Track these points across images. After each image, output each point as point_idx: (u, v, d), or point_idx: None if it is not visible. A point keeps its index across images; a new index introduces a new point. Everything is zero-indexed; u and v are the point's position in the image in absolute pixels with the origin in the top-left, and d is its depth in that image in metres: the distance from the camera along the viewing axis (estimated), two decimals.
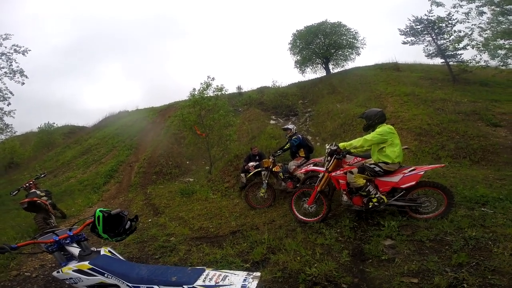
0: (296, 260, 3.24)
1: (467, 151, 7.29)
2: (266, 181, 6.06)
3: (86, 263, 1.86)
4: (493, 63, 9.79)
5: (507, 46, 9.12)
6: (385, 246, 3.32)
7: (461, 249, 2.97)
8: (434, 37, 15.57)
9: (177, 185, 9.68)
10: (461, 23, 11.22)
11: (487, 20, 9.84)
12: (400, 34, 16.75)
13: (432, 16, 14.98)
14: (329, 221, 4.33)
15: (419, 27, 15.92)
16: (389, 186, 3.90)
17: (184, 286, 1.59)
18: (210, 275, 1.65)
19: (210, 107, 10.42)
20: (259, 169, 6.34)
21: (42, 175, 7.83)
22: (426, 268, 2.75)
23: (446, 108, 9.76)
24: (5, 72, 13.12)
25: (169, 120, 16.91)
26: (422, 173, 3.78)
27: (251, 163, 6.85)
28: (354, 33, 19.99)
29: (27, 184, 6.81)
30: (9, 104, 13.47)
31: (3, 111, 13.47)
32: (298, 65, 21.41)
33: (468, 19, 10.23)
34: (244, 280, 1.57)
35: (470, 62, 10.25)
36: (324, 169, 4.35)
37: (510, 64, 9.66)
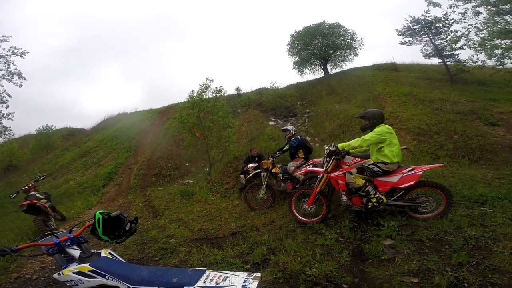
0: (296, 261, 3.24)
1: (465, 151, 7.32)
2: (265, 182, 6.06)
3: (87, 265, 1.86)
4: (490, 62, 9.87)
5: (503, 45, 9.18)
6: (385, 246, 3.33)
7: (461, 248, 2.98)
8: (431, 37, 15.65)
9: (176, 187, 9.66)
10: (457, 23, 11.34)
11: (483, 20, 9.92)
12: (398, 35, 16.85)
13: (429, 16, 15.08)
14: (328, 221, 4.33)
15: (416, 27, 16.00)
16: (388, 186, 3.91)
17: (184, 287, 1.59)
18: (211, 276, 1.65)
19: (209, 109, 10.41)
20: (259, 170, 6.34)
21: (41, 178, 7.82)
22: (426, 268, 2.75)
23: (444, 108, 9.80)
24: (3, 74, 13.13)
25: (168, 122, 16.90)
26: (421, 173, 3.79)
27: (250, 165, 6.86)
28: (352, 33, 20.05)
29: (26, 187, 6.80)
30: (7, 106, 13.47)
31: (1, 114, 13.48)
32: (296, 66, 21.46)
33: (465, 19, 10.33)
34: (245, 281, 1.58)
35: (467, 62, 10.31)
36: (323, 169, 4.36)
37: (507, 63, 9.73)
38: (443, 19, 13.86)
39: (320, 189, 4.37)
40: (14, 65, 13.22)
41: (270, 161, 6.20)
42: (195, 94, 10.42)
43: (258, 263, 3.43)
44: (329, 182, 4.46)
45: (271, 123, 14.85)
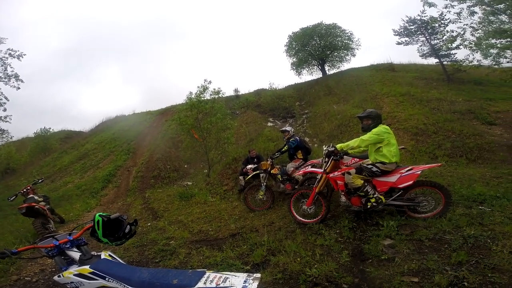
0: (296, 261, 3.24)
1: (463, 150, 7.36)
2: (264, 184, 6.06)
3: (87, 267, 1.86)
4: (486, 62, 9.90)
5: (499, 45, 9.23)
6: (384, 245, 3.34)
7: (460, 247, 2.99)
8: (427, 37, 15.76)
9: (175, 188, 9.65)
10: (453, 23, 11.37)
11: (479, 20, 9.97)
12: (394, 35, 16.97)
13: (425, 16, 15.18)
14: (328, 222, 4.34)
15: (412, 27, 16.11)
16: (387, 186, 3.92)
17: None
18: (211, 277, 1.65)
19: (207, 111, 10.42)
20: (258, 171, 6.35)
21: (40, 181, 7.78)
22: (426, 267, 2.76)
23: (441, 107, 9.85)
24: (0, 77, 13.07)
25: (167, 124, 16.87)
26: (419, 172, 3.80)
27: (249, 166, 6.86)
28: (349, 34, 20.19)
29: (24, 190, 6.77)
30: (4, 109, 13.41)
31: None
32: (294, 67, 21.55)
33: (460, 19, 10.36)
34: (245, 282, 1.58)
35: (464, 61, 10.35)
36: (322, 170, 4.37)
37: (502, 63, 9.78)
38: (439, 19, 13.95)
39: (319, 189, 4.38)
40: (11, 67, 13.18)
41: (269, 162, 6.20)
42: (193, 96, 10.44)
43: (258, 264, 3.43)
44: (328, 183, 4.47)
45: (269, 124, 14.87)
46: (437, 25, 14.55)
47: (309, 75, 22.48)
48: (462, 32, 10.42)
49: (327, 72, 21.36)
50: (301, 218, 4.53)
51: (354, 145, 4.02)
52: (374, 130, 3.97)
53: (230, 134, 11.09)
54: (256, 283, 1.55)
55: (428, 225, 3.56)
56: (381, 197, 3.87)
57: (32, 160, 18.51)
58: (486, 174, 5.71)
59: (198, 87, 10.46)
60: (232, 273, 1.71)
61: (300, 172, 5.31)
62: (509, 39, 8.97)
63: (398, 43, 16.89)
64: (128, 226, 2.17)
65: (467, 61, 10.18)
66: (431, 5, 11.20)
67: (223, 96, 11.49)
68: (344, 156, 4.34)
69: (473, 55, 10.00)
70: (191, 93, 10.54)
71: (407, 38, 16.59)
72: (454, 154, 7.34)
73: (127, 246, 4.69)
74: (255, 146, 8.59)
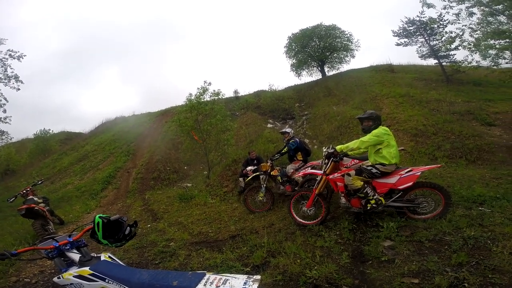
0: (296, 263, 3.23)
1: (463, 151, 7.36)
2: (264, 185, 6.06)
3: (87, 268, 1.86)
4: (485, 63, 9.95)
5: (497, 46, 9.27)
6: (384, 247, 3.33)
7: (461, 248, 2.99)
8: (426, 38, 15.82)
9: (175, 190, 9.65)
10: (452, 24, 11.44)
11: (477, 21, 10.02)
12: (394, 36, 17.04)
13: (424, 17, 15.24)
14: (328, 223, 4.33)
15: (411, 28, 16.18)
16: (386, 187, 3.93)
17: None
18: (211, 279, 1.65)
19: (207, 112, 10.43)
20: (257, 173, 6.35)
21: (40, 182, 7.79)
22: (426, 268, 2.76)
23: (441, 108, 9.87)
24: (0, 78, 13.07)
25: (166, 126, 16.88)
26: (419, 173, 3.81)
27: (249, 167, 6.86)
28: (348, 35, 20.24)
29: (24, 191, 6.77)
30: (4, 111, 13.42)
31: None
32: (294, 68, 21.58)
33: (459, 20, 10.42)
34: (245, 283, 1.57)
35: (463, 62, 10.38)
36: (322, 172, 4.37)
37: (501, 63, 9.82)
38: (437, 20, 14.01)
39: (319, 191, 4.38)
40: (11, 68, 13.19)
41: (269, 163, 6.20)
42: (193, 97, 10.44)
43: (258, 266, 3.42)
44: (328, 184, 4.47)
45: (269, 125, 14.88)
46: (436, 26, 14.64)
47: (309, 76, 22.53)
48: (461, 33, 10.49)
49: (326, 73, 21.41)
50: (301, 220, 4.53)
51: (353, 146, 4.02)
52: (374, 132, 3.97)
53: (230, 135, 11.09)
54: (256, 285, 1.55)
55: (428, 227, 3.56)
56: (381, 198, 3.87)
57: (32, 162, 18.52)
58: (485, 175, 5.72)
59: (198, 88, 10.48)
60: (232, 275, 1.71)
61: (300, 174, 5.31)
62: (507, 40, 9.01)
63: (398, 44, 16.97)
64: (128, 227, 2.17)
65: (466, 62, 10.22)
66: (429, 6, 11.25)
67: (223, 97, 11.50)
68: (344, 158, 4.34)
69: (472, 56, 10.05)
70: (190, 94, 10.56)
71: (406, 39, 16.66)
72: (453, 155, 7.35)
73: (127, 247, 4.68)
74: (255, 147, 8.59)
